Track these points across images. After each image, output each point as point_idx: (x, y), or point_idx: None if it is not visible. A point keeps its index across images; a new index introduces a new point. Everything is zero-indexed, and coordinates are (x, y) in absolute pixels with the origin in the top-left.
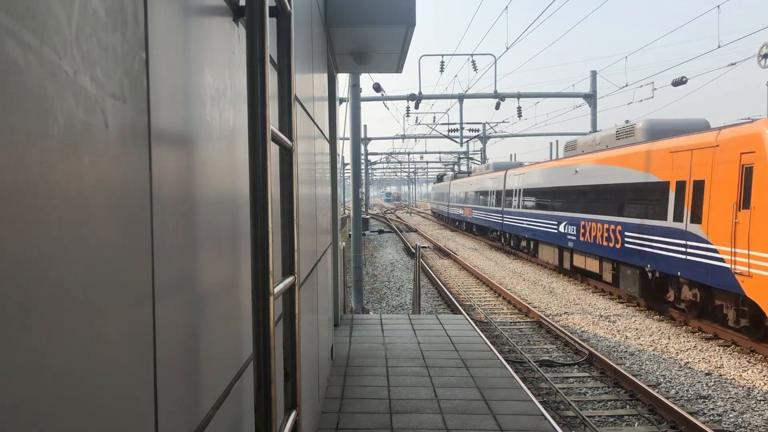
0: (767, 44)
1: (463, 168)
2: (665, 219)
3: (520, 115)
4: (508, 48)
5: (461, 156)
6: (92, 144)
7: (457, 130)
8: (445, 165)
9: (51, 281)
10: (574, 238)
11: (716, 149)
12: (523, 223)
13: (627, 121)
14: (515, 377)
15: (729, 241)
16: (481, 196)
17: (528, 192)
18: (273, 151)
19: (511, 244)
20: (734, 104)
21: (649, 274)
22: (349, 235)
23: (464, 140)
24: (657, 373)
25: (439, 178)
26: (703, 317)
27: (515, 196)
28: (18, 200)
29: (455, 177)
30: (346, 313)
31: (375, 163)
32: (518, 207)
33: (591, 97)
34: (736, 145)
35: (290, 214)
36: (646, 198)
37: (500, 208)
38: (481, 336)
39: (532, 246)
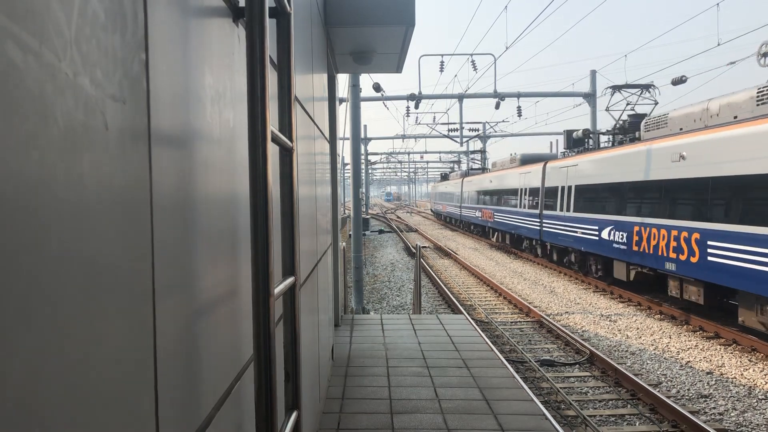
0: (767, 43)
1: (470, 168)
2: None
3: (520, 115)
4: (507, 47)
5: (468, 153)
6: (92, 145)
7: (457, 129)
8: (447, 164)
9: (51, 282)
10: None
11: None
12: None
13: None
14: (516, 377)
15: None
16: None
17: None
18: (273, 151)
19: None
20: None
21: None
22: (350, 235)
23: (464, 140)
24: (658, 373)
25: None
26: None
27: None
28: (18, 201)
29: (440, 181)
30: (346, 313)
31: (375, 163)
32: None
33: (591, 96)
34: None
35: (290, 214)
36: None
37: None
38: (481, 336)
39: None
